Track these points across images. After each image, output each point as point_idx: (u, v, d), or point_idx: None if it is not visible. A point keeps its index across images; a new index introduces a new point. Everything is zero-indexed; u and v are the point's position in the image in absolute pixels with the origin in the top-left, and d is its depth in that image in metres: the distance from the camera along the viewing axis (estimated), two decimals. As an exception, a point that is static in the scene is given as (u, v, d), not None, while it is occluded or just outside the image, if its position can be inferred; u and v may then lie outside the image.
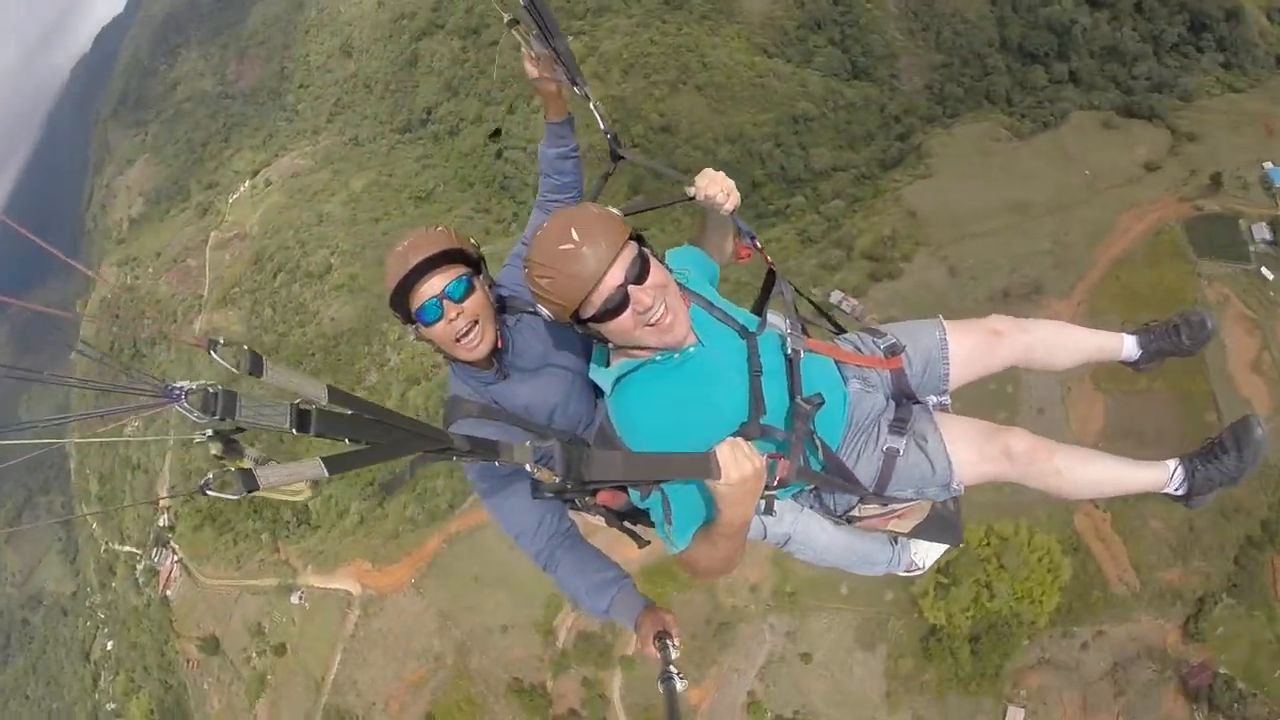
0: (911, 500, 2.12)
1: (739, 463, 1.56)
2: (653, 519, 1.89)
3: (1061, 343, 2.30)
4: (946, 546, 2.36)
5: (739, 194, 2.04)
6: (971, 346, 2.18)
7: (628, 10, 67.26)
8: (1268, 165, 51.84)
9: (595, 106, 2.22)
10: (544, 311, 1.79)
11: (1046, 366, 2.34)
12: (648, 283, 1.74)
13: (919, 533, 2.24)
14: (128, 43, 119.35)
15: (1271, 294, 45.46)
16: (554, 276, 1.68)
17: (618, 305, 1.72)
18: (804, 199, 57.20)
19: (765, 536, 2.11)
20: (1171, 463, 2.24)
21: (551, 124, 2.38)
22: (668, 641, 1.82)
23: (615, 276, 1.70)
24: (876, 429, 2.04)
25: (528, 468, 1.52)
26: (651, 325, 1.74)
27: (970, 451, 2.02)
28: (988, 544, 36.98)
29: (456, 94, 72.58)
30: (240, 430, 1.18)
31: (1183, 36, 67.97)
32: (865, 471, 2.02)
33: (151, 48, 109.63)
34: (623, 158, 2.43)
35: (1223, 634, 36.94)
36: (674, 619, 1.90)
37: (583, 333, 1.82)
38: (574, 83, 2.21)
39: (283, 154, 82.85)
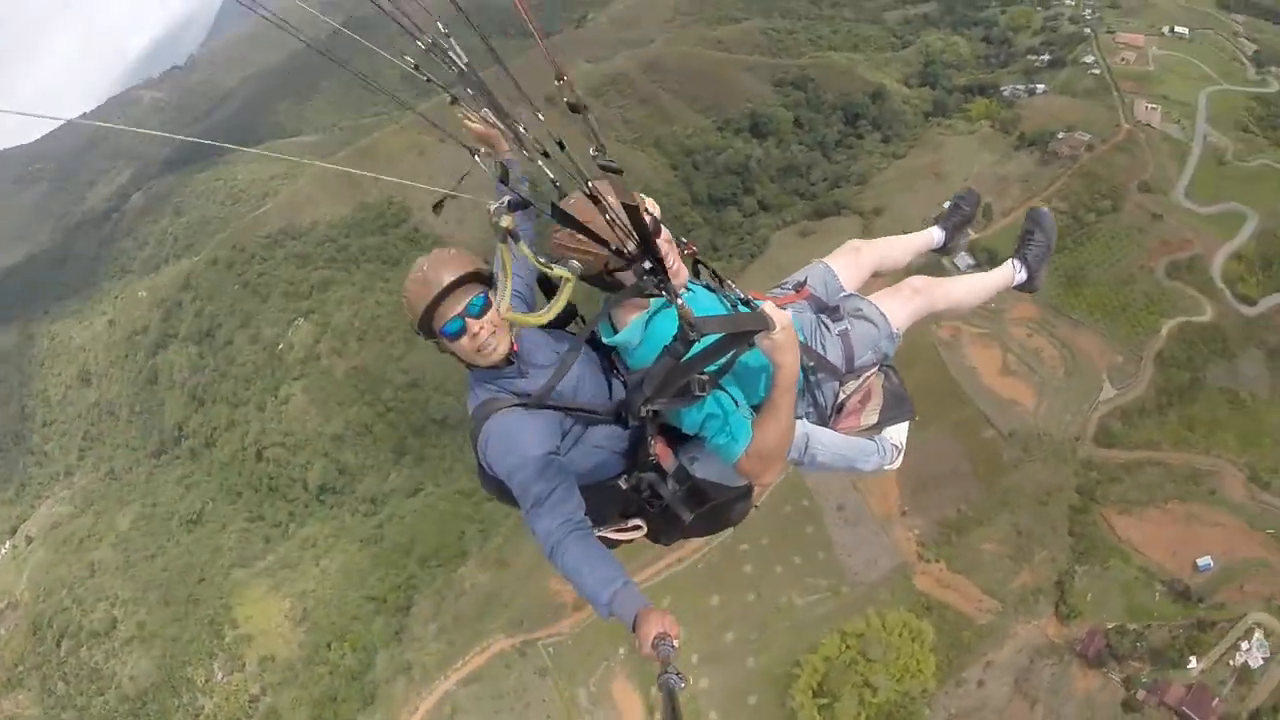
0: (873, 365, 3.49)
1: (780, 313, 2.66)
2: (709, 433, 2.77)
3: (899, 247, 3.96)
4: (907, 422, 3.70)
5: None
6: (844, 264, 3.62)
7: (350, 279, 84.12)
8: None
9: (545, 154, 3.11)
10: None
11: (894, 267, 3.90)
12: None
13: (884, 417, 3.58)
14: None
15: (991, 305, 60.90)
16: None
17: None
18: None
19: (789, 451, 3.03)
20: (1008, 262, 4.08)
21: (507, 158, 3.64)
22: (667, 643, 2.26)
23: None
24: (823, 327, 3.36)
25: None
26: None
27: (892, 302, 3.58)
28: (847, 647, 45.51)
29: (203, 403, 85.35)
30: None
31: (842, 132, 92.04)
32: (834, 355, 3.34)
33: None
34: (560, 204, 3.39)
35: (1092, 598, 48.79)
36: (674, 621, 2.36)
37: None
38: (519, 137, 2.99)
39: (38, 503, 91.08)
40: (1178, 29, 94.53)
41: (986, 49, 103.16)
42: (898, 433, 3.66)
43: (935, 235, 4.18)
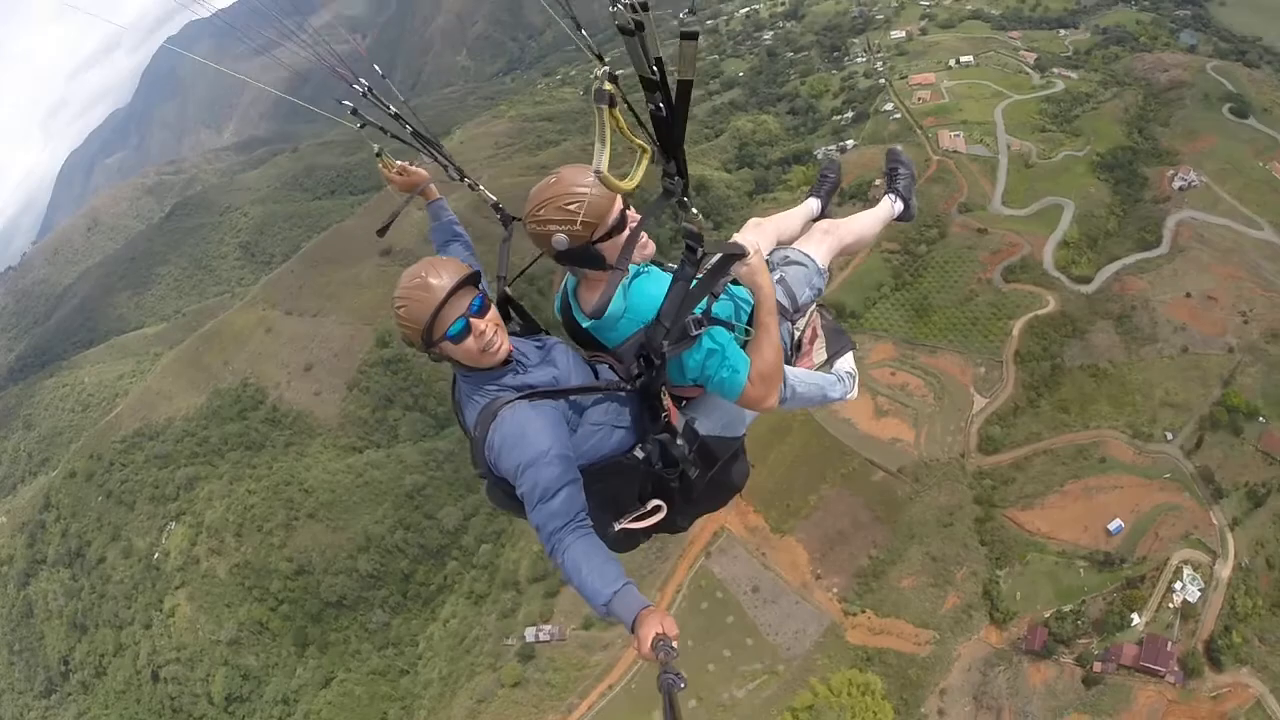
0: (811, 301, 4.63)
1: (748, 239, 3.62)
2: (711, 370, 3.52)
3: (792, 219, 4.92)
4: (850, 351, 4.92)
5: None
6: (756, 237, 4.20)
7: (216, 472, 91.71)
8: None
9: (479, 185, 4.43)
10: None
11: (791, 236, 4.87)
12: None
13: (831, 351, 4.77)
14: None
15: (857, 354, 74.45)
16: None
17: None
18: (455, 563, 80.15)
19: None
20: (885, 197, 5.34)
21: (434, 203, 4.56)
22: (666, 644, 2.60)
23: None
24: None
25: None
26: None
27: (809, 244, 4.71)
28: (800, 720, 52.83)
29: (85, 630, 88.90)
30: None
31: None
32: (781, 298, 4.29)
33: None
34: (516, 218, 3.95)
35: (1022, 595, 58.65)
36: (673, 622, 2.72)
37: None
38: (454, 167, 4.59)
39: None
40: (963, 59, 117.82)
41: (794, 120, 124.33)
42: (846, 362, 4.91)
43: (813, 205, 5.39)
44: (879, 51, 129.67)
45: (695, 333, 3.42)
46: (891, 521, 63.97)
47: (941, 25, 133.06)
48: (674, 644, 2.61)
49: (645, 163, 2.91)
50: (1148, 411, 68.01)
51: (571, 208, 3.27)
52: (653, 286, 3.61)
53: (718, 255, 3.47)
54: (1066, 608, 58.18)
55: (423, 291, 3.23)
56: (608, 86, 2.54)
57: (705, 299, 3.48)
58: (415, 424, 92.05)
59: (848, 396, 4.83)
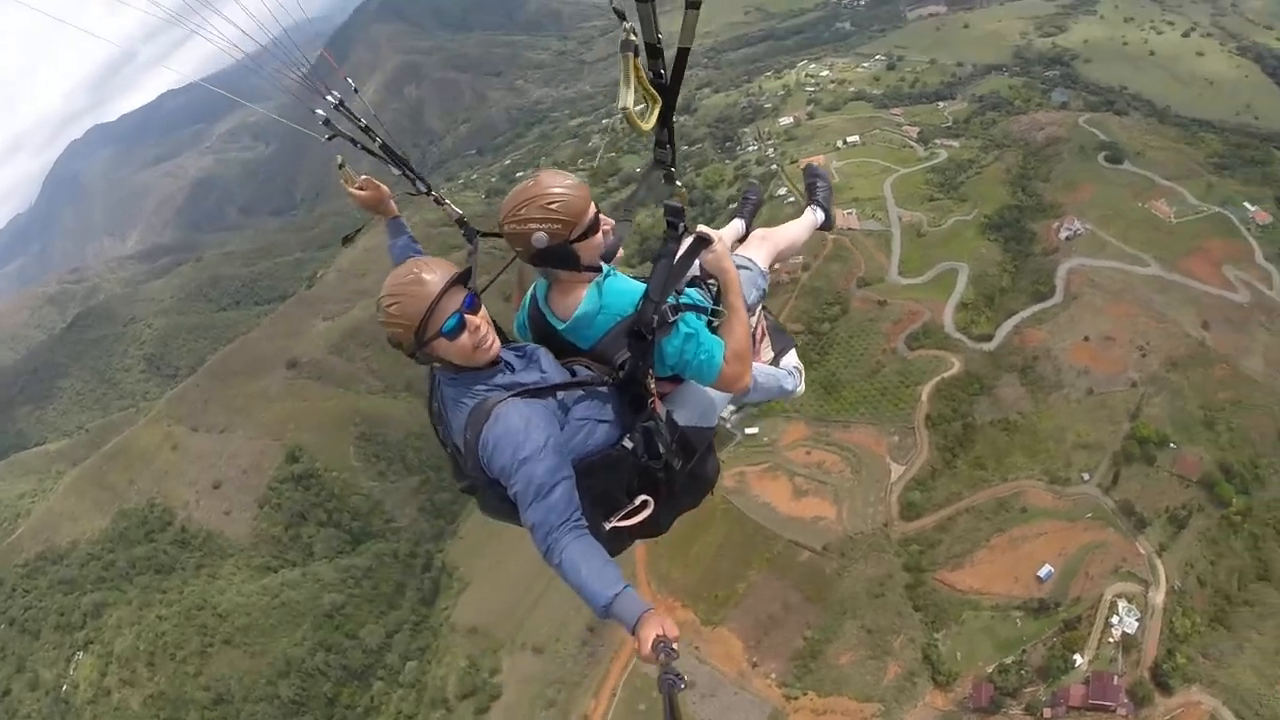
0: (757, 301, 5.63)
1: (711, 230, 4.49)
2: (689, 355, 4.28)
3: (728, 239, 6.06)
4: (793, 348, 6.13)
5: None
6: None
7: (125, 597, 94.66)
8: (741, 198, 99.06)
9: (445, 199, 5.24)
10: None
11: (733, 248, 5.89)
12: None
13: (776, 346, 5.94)
14: None
15: (765, 439, 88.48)
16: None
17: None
18: (381, 683, 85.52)
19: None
20: (807, 209, 6.85)
21: (392, 220, 5.18)
22: (667, 645, 3.04)
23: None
24: (709, 285, 4.90)
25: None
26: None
27: (749, 249, 5.88)
28: None
29: None
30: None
31: None
32: None
33: None
34: (480, 233, 4.77)
35: (962, 655, 68.98)
36: (673, 624, 3.17)
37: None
38: (420, 181, 5.38)
39: None
40: (850, 139, 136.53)
41: (692, 210, 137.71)
42: (791, 359, 6.12)
43: (739, 225, 6.60)
44: (769, 139, 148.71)
45: (673, 319, 4.21)
46: (822, 600, 72.44)
47: (827, 108, 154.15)
48: (675, 646, 3.11)
49: (658, 110, 3.64)
50: (1062, 456, 79.49)
51: (553, 207, 4.09)
52: (624, 284, 4.44)
53: (687, 242, 4.45)
54: (1008, 660, 66.73)
55: (416, 287, 3.78)
56: (632, 38, 3.31)
57: (683, 275, 4.48)
58: (330, 540, 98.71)
59: (798, 389, 6.04)
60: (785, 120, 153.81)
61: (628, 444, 4.23)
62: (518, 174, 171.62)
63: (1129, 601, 68.32)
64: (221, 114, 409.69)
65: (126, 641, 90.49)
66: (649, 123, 3.65)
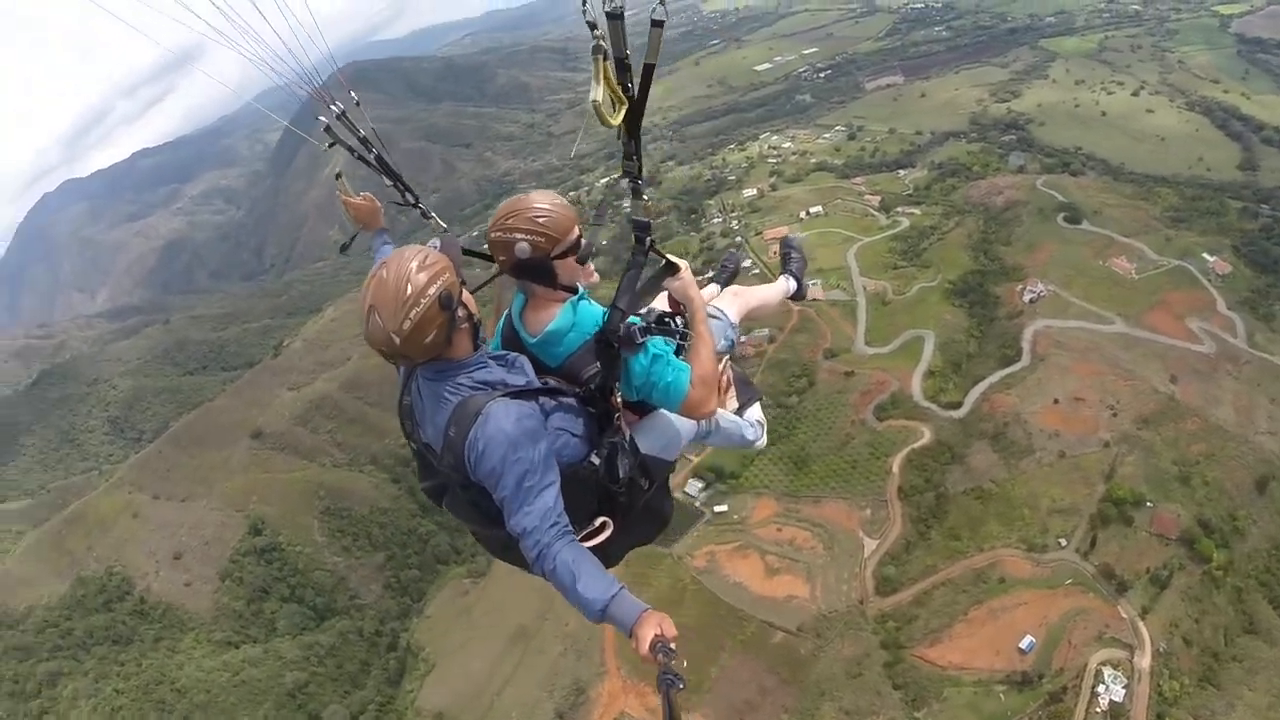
0: (725, 351, 5.97)
1: (680, 259, 5.00)
2: (656, 376, 4.38)
3: (705, 297, 5.82)
4: (758, 401, 6.25)
5: None
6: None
7: (81, 668, 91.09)
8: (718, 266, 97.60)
9: (430, 212, 5.61)
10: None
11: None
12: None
13: (741, 397, 6.15)
14: None
15: (735, 516, 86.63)
16: (553, 214, 4.34)
17: (587, 249, 4.33)
18: None
19: (699, 425, 5.13)
20: (781, 277, 7.48)
21: (380, 231, 5.65)
22: (665, 645, 3.10)
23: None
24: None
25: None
26: (591, 279, 4.60)
27: (722, 302, 6.36)
28: None
29: None
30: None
31: None
32: None
33: None
34: (463, 250, 4.70)
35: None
36: (671, 624, 3.23)
37: (524, 274, 4.47)
38: (410, 193, 6.05)
39: None
40: (812, 210, 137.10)
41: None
42: (755, 412, 6.22)
43: (714, 289, 6.86)
44: (733, 211, 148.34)
45: (640, 340, 4.29)
46: (799, 682, 69.52)
47: (790, 180, 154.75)
48: (673, 645, 3.15)
49: (624, 110, 3.93)
50: (1037, 522, 77.45)
51: (539, 220, 4.30)
52: (596, 308, 4.56)
53: (657, 267, 4.61)
54: (1000, 736, 64.21)
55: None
56: (602, 44, 3.65)
57: (642, 314, 4.59)
58: (293, 616, 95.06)
59: (759, 443, 6.11)
60: (749, 192, 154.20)
61: (594, 460, 4.22)
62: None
63: (1115, 668, 65.79)
64: (194, 175, 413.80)
65: (82, 714, 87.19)
66: (616, 119, 3.91)
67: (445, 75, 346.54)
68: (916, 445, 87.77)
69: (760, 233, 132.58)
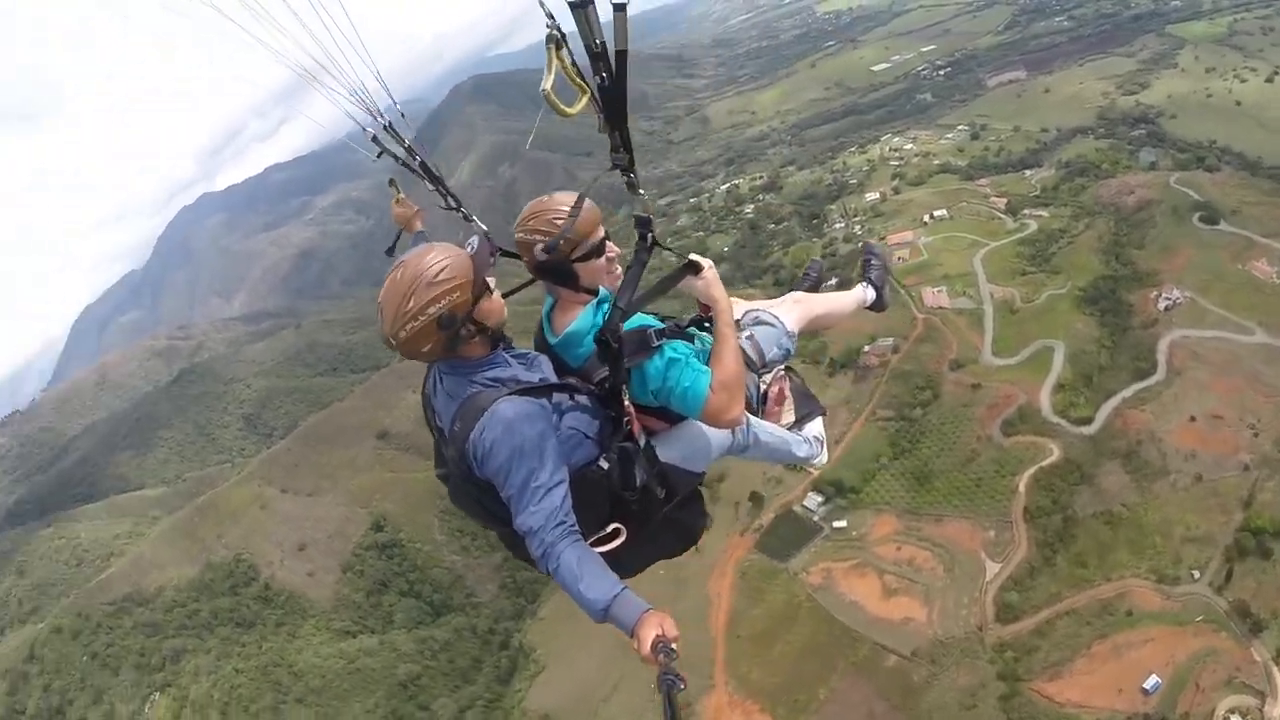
0: (779, 360, 5.62)
1: (704, 259, 4.45)
2: (672, 381, 4.17)
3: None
4: (820, 417, 5.83)
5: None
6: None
7: (204, 646, 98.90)
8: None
9: (471, 215, 5.44)
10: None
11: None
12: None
13: (800, 414, 5.67)
14: None
15: (853, 533, 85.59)
16: (586, 210, 4.34)
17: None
18: None
19: (734, 436, 4.89)
20: (858, 285, 6.90)
21: (417, 233, 5.82)
22: (666, 645, 3.05)
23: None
24: None
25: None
26: (613, 274, 4.53)
27: (781, 309, 5.86)
28: None
29: None
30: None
31: None
32: (749, 350, 5.32)
33: None
34: (502, 250, 4.57)
35: None
36: (672, 624, 3.18)
37: (552, 270, 4.41)
38: (451, 197, 5.79)
39: None
40: (936, 213, 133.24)
41: (779, 290, 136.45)
42: (815, 427, 5.79)
43: (797, 296, 6.53)
44: (855, 215, 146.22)
45: (656, 343, 4.18)
46: (910, 709, 68.51)
47: (912, 183, 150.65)
48: (674, 646, 3.08)
49: (585, 99, 3.83)
50: (1170, 552, 73.96)
51: (559, 222, 4.26)
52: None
53: (678, 266, 4.52)
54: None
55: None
56: (554, 32, 3.60)
57: (657, 316, 4.60)
58: (411, 611, 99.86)
59: (815, 459, 5.76)
60: (871, 196, 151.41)
61: (603, 464, 4.14)
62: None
63: (1243, 717, 62.40)
64: (325, 187, 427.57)
65: (202, 689, 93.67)
66: (574, 108, 3.82)
67: (563, 85, 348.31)
68: (1044, 463, 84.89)
69: (883, 237, 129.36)
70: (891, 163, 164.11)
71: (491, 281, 4.00)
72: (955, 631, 73.80)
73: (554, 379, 4.17)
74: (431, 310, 3.71)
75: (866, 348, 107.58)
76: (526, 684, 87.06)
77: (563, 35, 3.63)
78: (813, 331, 6.50)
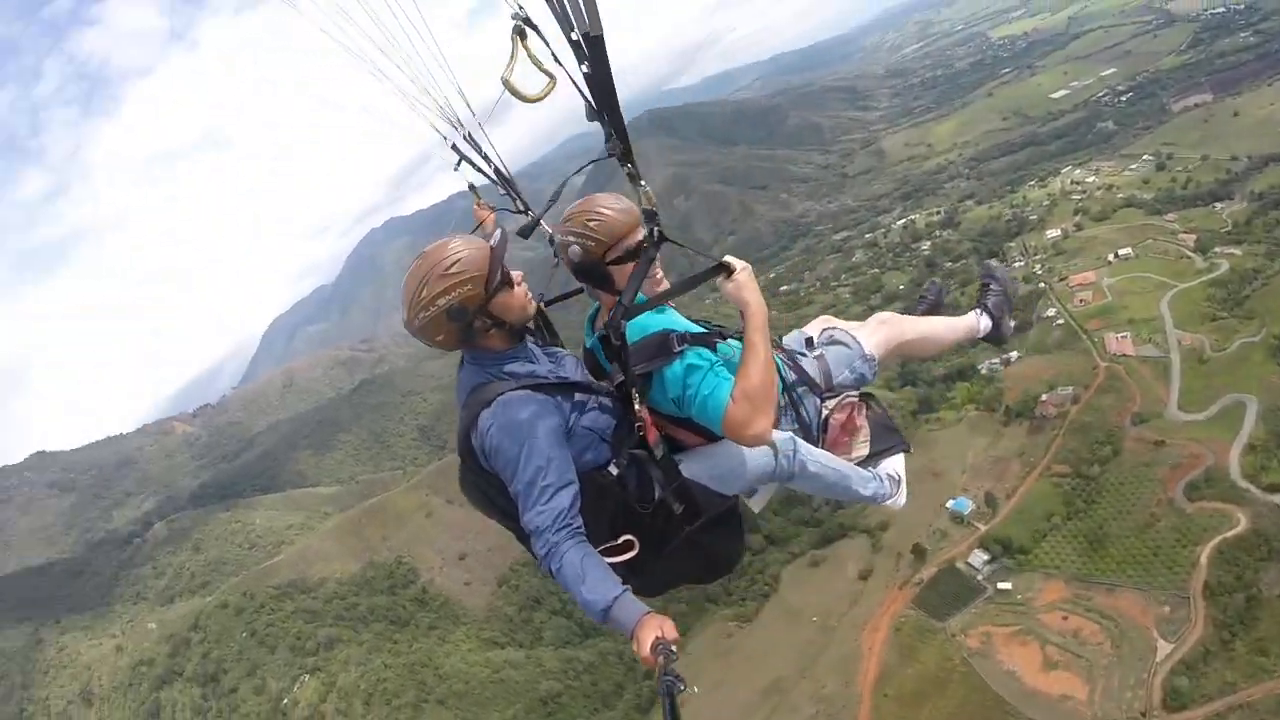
0: (851, 385, 5.09)
1: (739, 261, 3.98)
2: (692, 388, 3.97)
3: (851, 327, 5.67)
4: (902, 453, 5.20)
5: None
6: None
7: (358, 638, 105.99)
8: (950, 504, 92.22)
9: (542, 221, 5.24)
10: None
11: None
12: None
13: (876, 445, 5.09)
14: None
15: (1018, 596, 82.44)
16: (605, 218, 4.24)
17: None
18: None
19: (776, 461, 4.42)
20: (971, 312, 5.90)
21: (498, 234, 4.92)
22: (666, 647, 3.02)
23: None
24: (799, 354, 5.04)
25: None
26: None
27: (863, 331, 5.21)
28: None
29: None
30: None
31: None
32: (812, 371, 4.95)
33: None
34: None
35: None
36: (672, 626, 3.15)
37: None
38: (522, 202, 5.78)
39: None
40: (1121, 252, 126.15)
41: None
42: (893, 465, 5.18)
43: (884, 316, 6.07)
44: (1036, 253, 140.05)
45: (678, 349, 3.99)
46: (1065, 800, 64.96)
47: (1095, 218, 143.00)
48: (674, 648, 3.05)
49: (552, 86, 3.74)
50: (1369, 639, 67.92)
51: (592, 224, 4.21)
52: (654, 316, 4.22)
53: (708, 265, 4.13)
54: None
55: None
56: (518, 23, 3.58)
57: (662, 313, 4.29)
58: (560, 629, 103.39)
59: (886, 501, 5.19)
60: (1052, 233, 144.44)
61: (613, 470, 4.03)
62: (782, 287, 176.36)
63: None
64: (505, 217, 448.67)
65: (350, 677, 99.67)
66: (539, 94, 3.79)
67: (738, 119, 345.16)
68: (1229, 534, 78.15)
69: (1065, 279, 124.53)
70: (1073, 197, 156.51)
71: (516, 275, 3.98)
72: (1116, 715, 69.19)
73: (573, 376, 4.15)
74: (441, 302, 3.76)
75: (1044, 396, 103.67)
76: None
77: (528, 24, 3.63)
78: (903, 360, 6.06)
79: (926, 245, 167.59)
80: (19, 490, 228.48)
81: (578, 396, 3.99)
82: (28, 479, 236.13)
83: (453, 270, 3.76)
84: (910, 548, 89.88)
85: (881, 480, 5.15)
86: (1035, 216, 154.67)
